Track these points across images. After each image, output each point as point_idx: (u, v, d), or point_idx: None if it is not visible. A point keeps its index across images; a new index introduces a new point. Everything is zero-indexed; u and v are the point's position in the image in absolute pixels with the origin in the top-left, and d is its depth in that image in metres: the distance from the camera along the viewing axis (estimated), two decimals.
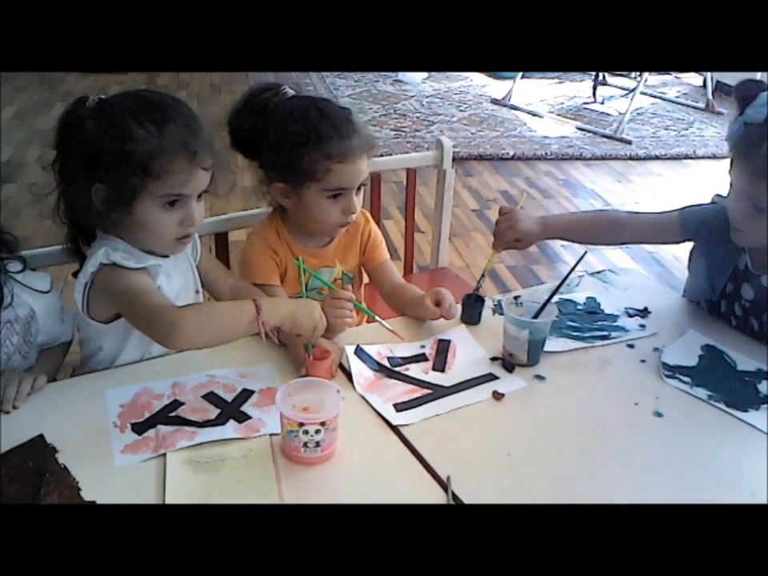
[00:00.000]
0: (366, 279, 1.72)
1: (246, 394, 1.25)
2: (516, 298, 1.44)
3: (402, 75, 5.86)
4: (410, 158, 2.19)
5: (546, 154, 4.61)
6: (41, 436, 1.14)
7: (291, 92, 1.54)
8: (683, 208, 1.64)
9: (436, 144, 2.13)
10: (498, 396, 1.29)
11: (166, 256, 1.37)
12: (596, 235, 1.74)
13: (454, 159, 2.80)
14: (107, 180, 1.25)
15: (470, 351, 1.41)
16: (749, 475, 1.18)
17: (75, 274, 1.38)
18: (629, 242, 1.98)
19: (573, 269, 1.43)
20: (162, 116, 1.27)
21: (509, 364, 1.37)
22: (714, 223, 1.56)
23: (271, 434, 1.17)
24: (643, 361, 1.43)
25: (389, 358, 1.37)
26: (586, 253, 1.43)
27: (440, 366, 1.36)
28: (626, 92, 5.58)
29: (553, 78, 6.11)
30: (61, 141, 1.29)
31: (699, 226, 1.59)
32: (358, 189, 1.50)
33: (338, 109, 1.50)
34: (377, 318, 1.41)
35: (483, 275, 1.61)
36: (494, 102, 5.48)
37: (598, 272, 1.75)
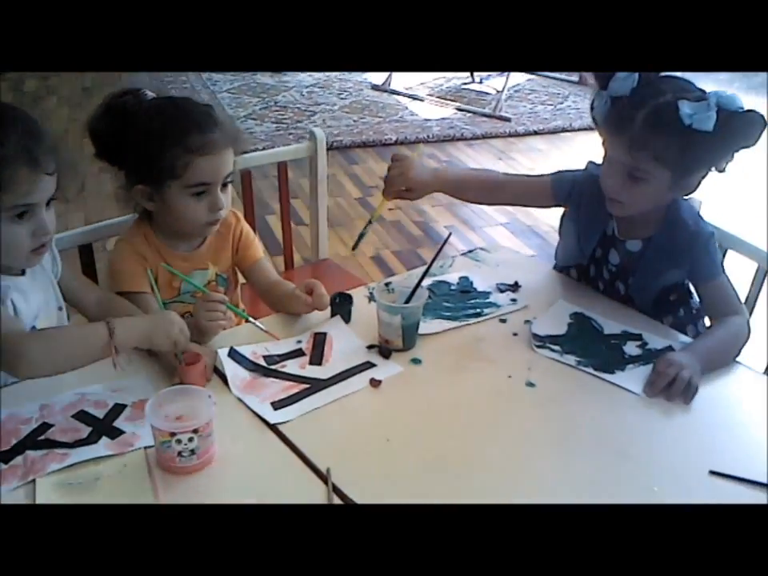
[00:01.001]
0: (241, 279, 1.71)
1: (118, 409, 1.22)
2: (387, 284, 1.46)
3: None
4: (283, 152, 2.18)
5: (429, 136, 4.67)
6: None
7: (151, 94, 1.51)
8: (556, 173, 1.70)
9: (309, 135, 2.13)
10: (375, 383, 1.31)
11: (22, 273, 1.33)
12: (480, 194, 1.79)
13: (337, 148, 2.81)
14: None
15: (346, 342, 1.42)
16: (618, 433, 1.24)
17: None
18: (508, 204, 2.04)
19: (438, 251, 1.46)
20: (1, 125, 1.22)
21: (385, 350, 1.39)
22: (583, 188, 1.62)
23: (146, 447, 1.15)
24: (515, 334, 1.48)
25: (265, 357, 1.36)
26: (450, 234, 1.47)
27: (317, 359, 1.37)
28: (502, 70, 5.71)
29: None
30: None
31: (570, 190, 1.66)
32: (224, 185, 1.49)
33: (198, 104, 1.50)
34: (249, 318, 1.41)
35: (370, 221, 1.62)
36: (375, 88, 5.51)
37: (470, 251, 1.80)
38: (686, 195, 1.52)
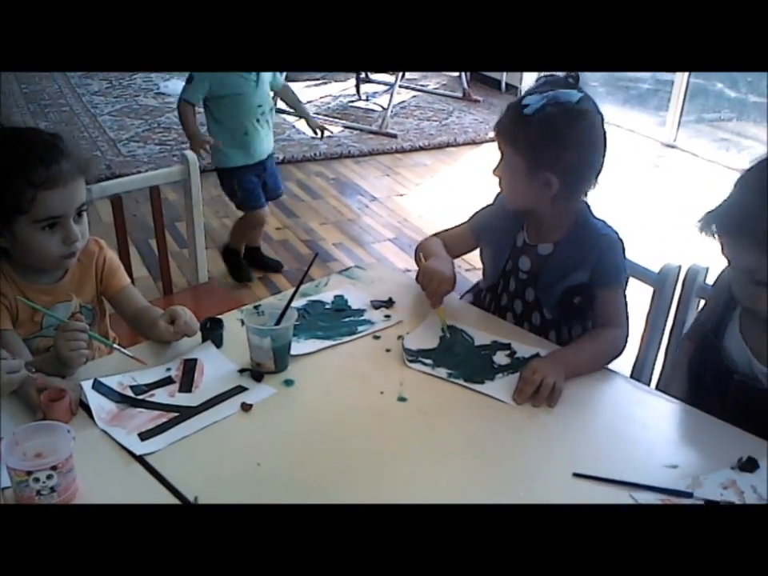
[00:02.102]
0: (110, 309, 1.67)
1: None
2: (257, 307, 1.46)
3: (163, 87, 5.71)
4: (155, 176, 2.15)
5: (316, 154, 4.69)
6: None
7: None
8: (471, 217, 1.75)
9: (181, 158, 2.11)
10: (246, 407, 1.30)
11: None
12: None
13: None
14: None
15: (217, 367, 1.41)
16: (487, 441, 1.28)
17: None
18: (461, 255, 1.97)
19: (305, 273, 1.47)
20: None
21: (257, 374, 1.39)
22: (491, 217, 1.70)
23: (3, 488, 1.10)
24: (388, 350, 1.50)
25: (131, 387, 1.34)
26: (317, 254, 1.48)
27: (187, 386, 1.35)
28: (388, 87, 5.79)
29: (318, 78, 6.21)
30: None
31: (484, 227, 1.71)
32: (79, 215, 1.45)
33: (45, 135, 1.44)
34: (114, 345, 1.38)
35: (444, 326, 1.56)
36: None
37: (346, 269, 1.81)
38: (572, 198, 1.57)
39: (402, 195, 4.19)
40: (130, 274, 1.79)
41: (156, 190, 2.08)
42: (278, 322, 1.41)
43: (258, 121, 3.02)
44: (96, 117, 5.12)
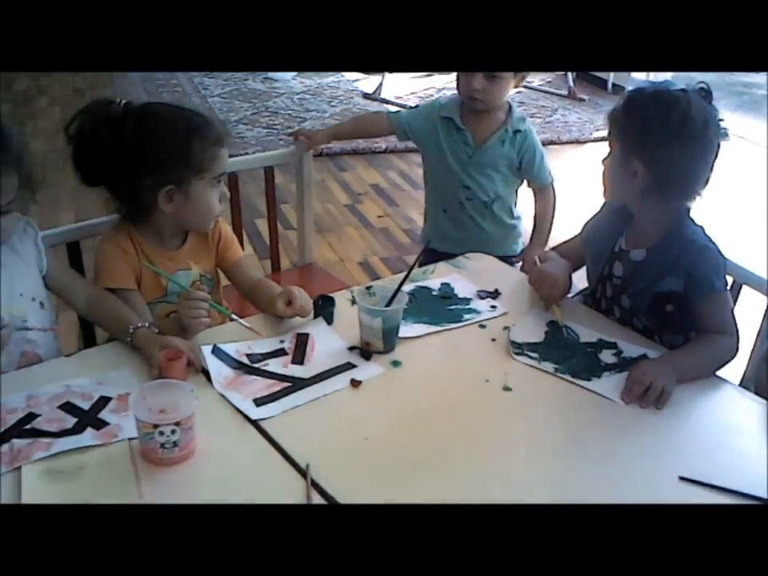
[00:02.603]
0: (225, 281, 1.74)
1: (103, 402, 1.25)
2: (369, 288, 1.49)
3: (271, 73, 5.85)
4: (269, 156, 2.22)
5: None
6: None
7: (129, 102, 1.54)
8: (582, 228, 1.74)
9: (294, 138, 2.17)
10: (355, 383, 1.34)
11: None
12: None
13: (327, 155, 2.85)
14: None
15: (328, 343, 1.45)
16: (592, 438, 1.28)
17: None
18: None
19: (419, 257, 1.50)
20: None
21: (366, 352, 1.42)
22: (597, 223, 1.70)
23: (130, 438, 1.17)
24: (494, 340, 1.51)
25: (248, 355, 1.39)
26: (429, 242, 1.50)
27: (299, 358, 1.40)
28: None
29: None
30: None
31: (590, 233, 1.71)
32: None
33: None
34: (233, 315, 1.44)
35: (561, 323, 1.57)
36: (366, 96, 5.55)
37: (452, 258, 1.83)
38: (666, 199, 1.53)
39: None
40: None
41: (270, 170, 2.15)
42: (388, 304, 1.44)
43: None
44: (206, 98, 5.28)
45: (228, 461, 1.17)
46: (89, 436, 1.17)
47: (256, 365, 1.37)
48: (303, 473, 1.14)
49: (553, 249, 1.76)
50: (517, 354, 1.46)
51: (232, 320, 1.44)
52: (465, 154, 2.11)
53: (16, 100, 5.01)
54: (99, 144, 1.46)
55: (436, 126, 2.12)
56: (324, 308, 1.51)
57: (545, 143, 4.97)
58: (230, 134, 1.58)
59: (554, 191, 2.20)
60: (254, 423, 1.23)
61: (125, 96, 1.56)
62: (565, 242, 1.78)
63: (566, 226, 3.53)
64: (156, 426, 1.11)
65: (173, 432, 1.11)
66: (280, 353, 1.42)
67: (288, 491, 1.11)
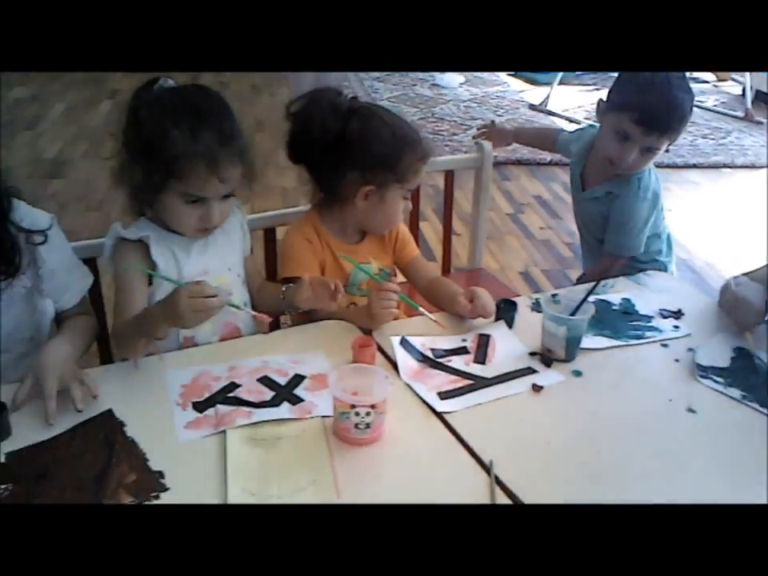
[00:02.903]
0: (400, 278, 1.79)
1: (298, 379, 1.32)
2: (554, 296, 1.50)
3: (439, 79, 5.92)
4: (450, 161, 2.26)
5: None
6: (110, 411, 1.23)
7: (355, 97, 1.64)
8: None
9: (476, 147, 2.20)
10: (537, 388, 1.35)
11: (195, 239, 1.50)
12: None
13: (501, 163, 2.85)
14: (142, 170, 1.36)
15: (509, 346, 1.47)
16: None
17: None
18: None
19: (606, 270, 1.49)
20: (198, 121, 1.36)
21: (547, 359, 1.43)
22: None
23: (323, 416, 1.24)
24: (677, 360, 1.48)
25: (432, 350, 1.44)
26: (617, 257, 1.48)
27: (481, 358, 1.43)
28: None
29: (590, 84, 6.13)
30: (129, 120, 1.41)
31: None
32: None
33: None
34: (420, 309, 1.48)
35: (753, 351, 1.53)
36: (532, 107, 5.52)
37: (633, 274, 1.81)
38: None
39: (670, 210, 4.04)
40: None
41: (450, 173, 2.19)
42: (573, 313, 1.44)
43: None
44: (375, 101, 5.41)
45: (413, 448, 1.21)
46: (285, 409, 1.25)
47: (440, 360, 1.41)
48: (486, 468, 1.16)
49: (745, 274, 1.70)
50: (702, 376, 1.43)
51: (420, 314, 1.48)
52: (577, 188, 2.10)
53: None
54: (322, 128, 1.53)
55: (587, 151, 2.07)
56: (506, 311, 1.53)
57: (716, 166, 4.82)
58: (434, 152, 1.64)
59: (617, 263, 1.96)
60: (439, 415, 1.27)
61: (300, 93, 1.63)
62: (758, 269, 1.72)
63: (743, 251, 3.40)
64: (353, 407, 1.16)
65: (367, 414, 1.17)
66: (462, 351, 1.45)
67: (470, 484, 1.13)
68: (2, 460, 1.13)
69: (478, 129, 2.35)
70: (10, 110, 4.67)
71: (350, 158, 1.54)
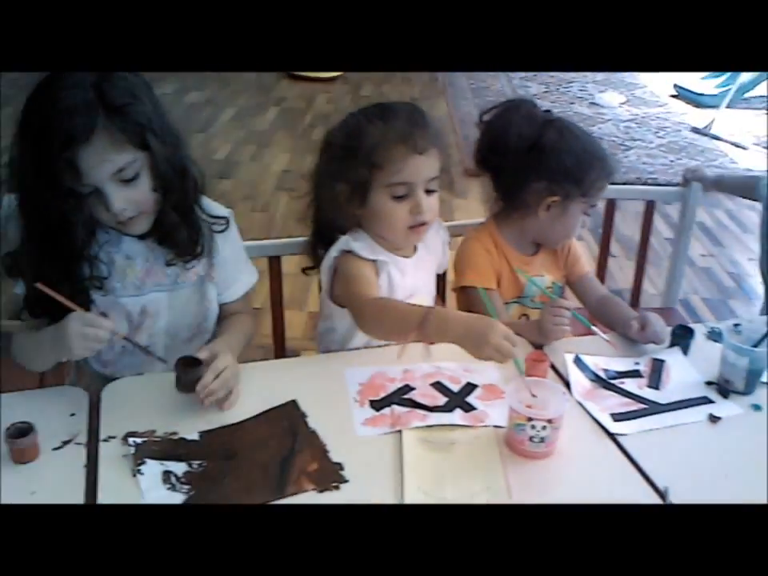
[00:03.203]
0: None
1: (470, 387, 1.35)
2: (736, 325, 1.45)
3: (598, 98, 5.82)
4: (654, 191, 2.26)
5: None
6: (293, 401, 1.30)
7: (548, 110, 1.67)
8: None
9: (683, 181, 2.21)
10: (714, 419, 1.32)
11: (411, 255, 1.51)
12: None
13: (649, 184, 2.79)
14: (347, 178, 1.42)
15: (684, 373, 1.43)
16: None
17: (304, 270, 1.60)
18: None
19: None
20: (388, 112, 1.43)
21: (724, 390, 1.39)
22: None
23: (495, 426, 1.26)
24: None
25: (604, 370, 1.42)
26: None
27: (654, 383, 1.40)
28: None
29: (761, 108, 5.85)
30: (319, 153, 1.49)
31: None
32: None
33: None
34: (593, 328, 1.47)
35: None
36: (694, 130, 5.32)
37: None
38: None
39: None
40: None
41: (651, 204, 2.15)
42: (755, 345, 1.39)
43: None
44: None
45: (585, 466, 1.21)
46: (458, 416, 1.27)
47: (612, 381, 1.40)
48: (661, 494, 1.14)
49: None
50: None
51: (593, 333, 1.48)
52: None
53: (361, 105, 5.47)
54: (518, 135, 1.57)
55: None
56: (682, 338, 1.50)
57: None
58: (618, 170, 1.64)
59: None
60: (612, 436, 1.26)
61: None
62: None
63: None
64: (530, 420, 1.17)
65: (543, 428, 1.17)
66: (635, 374, 1.43)
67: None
68: (197, 438, 1.22)
69: (685, 174, 2.24)
70: (186, 114, 4.98)
71: (540, 167, 1.57)
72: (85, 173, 1.21)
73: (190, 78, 5.49)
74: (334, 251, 1.47)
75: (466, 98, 5.72)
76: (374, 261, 1.45)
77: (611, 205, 2.11)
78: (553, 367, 1.42)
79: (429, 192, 1.45)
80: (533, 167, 1.57)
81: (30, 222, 1.28)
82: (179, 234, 1.37)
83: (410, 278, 1.52)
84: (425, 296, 1.57)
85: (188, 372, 1.26)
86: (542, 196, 1.58)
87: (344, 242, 1.46)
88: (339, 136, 1.45)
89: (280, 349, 1.78)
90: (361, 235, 1.48)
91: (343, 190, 1.44)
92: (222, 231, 1.45)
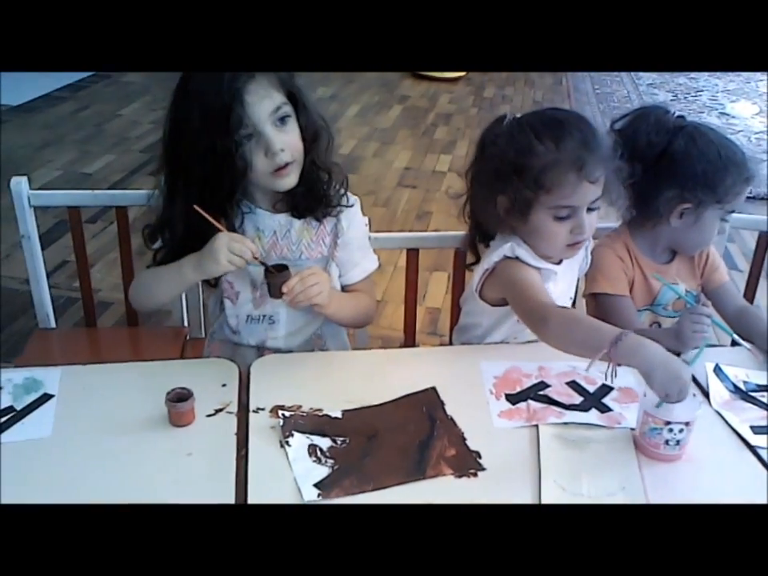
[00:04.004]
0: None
1: (605, 389, 1.36)
2: None
3: (729, 108, 5.64)
4: None
5: None
6: (433, 388, 1.34)
7: (681, 116, 1.63)
8: None
9: None
10: None
11: (559, 262, 1.53)
12: None
13: None
14: (509, 191, 1.43)
15: None
16: None
17: (469, 266, 1.63)
18: None
19: None
20: (561, 132, 1.40)
21: None
22: None
23: (632, 429, 1.26)
24: None
25: (744, 382, 1.40)
26: None
27: None
28: None
29: None
30: (477, 154, 1.51)
31: None
32: None
33: None
34: (735, 336, 1.45)
35: None
36: None
37: None
38: None
39: None
40: None
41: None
42: None
43: None
44: None
45: (723, 475, 1.19)
46: (594, 416, 1.29)
47: (753, 394, 1.38)
48: None
49: None
50: None
51: (735, 343, 1.46)
52: None
53: (483, 106, 5.50)
54: (647, 143, 1.56)
55: None
56: None
57: None
58: (757, 174, 1.60)
59: None
60: (751, 448, 1.24)
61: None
62: None
63: None
64: (668, 423, 1.17)
65: (680, 431, 1.18)
66: None
67: None
68: (339, 416, 1.28)
69: None
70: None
71: (671, 175, 1.55)
72: (249, 109, 1.32)
73: (317, 74, 5.63)
74: (496, 256, 1.47)
75: (590, 104, 5.65)
76: (538, 269, 1.46)
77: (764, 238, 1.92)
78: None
79: (591, 210, 1.45)
80: (663, 175, 1.55)
81: (181, 177, 1.40)
82: (317, 191, 1.47)
83: (559, 284, 1.53)
84: (566, 301, 1.58)
85: (275, 276, 1.36)
86: (674, 204, 1.56)
87: (509, 248, 1.46)
88: (506, 149, 1.42)
89: (411, 339, 1.83)
90: (521, 243, 1.48)
91: (503, 203, 1.45)
92: (350, 207, 1.54)
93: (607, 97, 5.86)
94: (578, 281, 1.74)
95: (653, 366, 1.17)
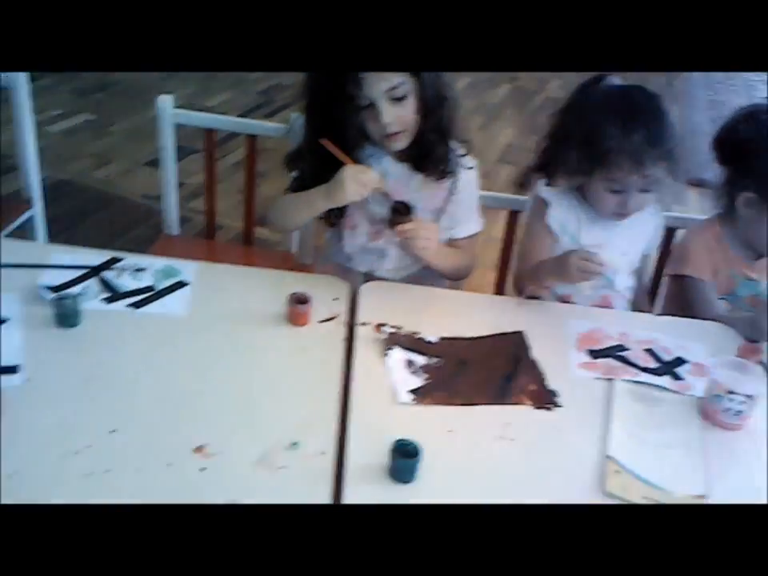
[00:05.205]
0: None
1: (679, 361, 1.47)
2: None
3: None
4: None
5: None
6: (521, 333, 1.48)
7: None
8: None
9: None
10: None
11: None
12: None
13: None
14: (573, 161, 1.60)
15: None
16: None
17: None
18: None
19: None
20: (632, 123, 1.53)
21: None
22: None
23: (699, 397, 1.37)
24: None
25: None
26: None
27: None
28: None
29: None
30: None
31: None
32: None
33: None
34: None
35: None
36: None
37: None
38: None
39: None
40: None
41: None
42: None
43: None
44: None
45: None
46: (666, 381, 1.41)
47: None
48: None
49: None
50: None
51: None
52: None
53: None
54: (738, 140, 1.68)
55: None
56: None
57: None
58: None
59: None
60: None
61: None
62: None
63: None
64: (731, 392, 1.29)
65: (741, 402, 1.29)
66: None
67: None
68: (436, 340, 1.43)
69: None
70: None
71: (745, 163, 1.66)
72: (366, 86, 1.46)
73: None
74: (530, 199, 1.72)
75: (699, 109, 5.60)
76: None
77: None
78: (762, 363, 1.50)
79: (643, 191, 1.58)
80: (735, 164, 1.68)
81: (315, 125, 1.57)
82: (434, 153, 1.61)
83: (601, 231, 1.67)
84: (615, 255, 1.62)
85: (399, 211, 1.54)
86: (735, 192, 1.68)
87: (539, 189, 1.68)
88: (582, 118, 1.59)
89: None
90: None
91: (570, 158, 1.60)
92: (469, 169, 1.68)
93: (719, 105, 5.79)
94: (649, 259, 1.84)
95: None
